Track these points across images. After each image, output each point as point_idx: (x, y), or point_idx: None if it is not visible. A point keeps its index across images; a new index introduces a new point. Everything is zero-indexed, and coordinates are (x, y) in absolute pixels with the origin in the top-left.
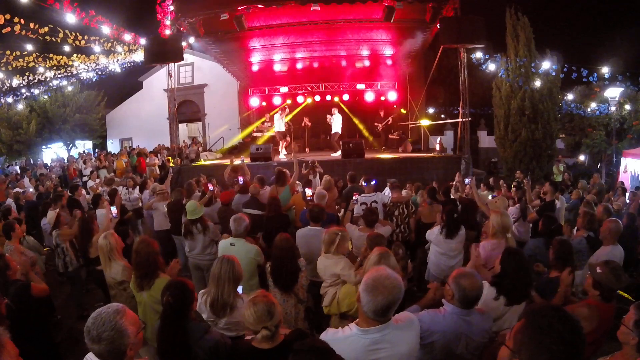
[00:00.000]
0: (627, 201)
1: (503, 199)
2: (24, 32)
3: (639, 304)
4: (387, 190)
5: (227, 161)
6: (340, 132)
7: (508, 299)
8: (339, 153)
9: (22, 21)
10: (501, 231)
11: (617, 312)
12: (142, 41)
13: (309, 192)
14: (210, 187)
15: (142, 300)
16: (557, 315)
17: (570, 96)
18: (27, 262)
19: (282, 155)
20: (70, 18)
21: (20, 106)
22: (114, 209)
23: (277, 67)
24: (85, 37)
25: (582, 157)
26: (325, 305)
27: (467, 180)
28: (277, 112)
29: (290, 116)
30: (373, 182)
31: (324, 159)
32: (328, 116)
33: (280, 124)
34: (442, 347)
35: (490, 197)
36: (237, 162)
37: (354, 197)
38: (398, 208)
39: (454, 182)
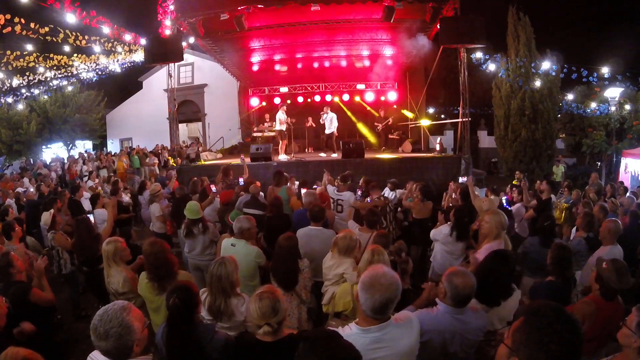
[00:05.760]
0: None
1: (491, 200)
2: (24, 32)
3: None
4: (387, 191)
5: (227, 161)
6: (336, 131)
7: (484, 300)
8: (335, 154)
9: (23, 21)
10: (498, 232)
11: (623, 314)
12: (142, 41)
13: (305, 192)
14: (213, 188)
15: (161, 304)
16: (556, 315)
17: (570, 96)
18: (42, 267)
19: (283, 156)
20: (71, 18)
21: (20, 106)
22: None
23: (277, 67)
24: (86, 37)
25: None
26: (324, 304)
27: (462, 179)
28: (279, 110)
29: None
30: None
31: (324, 160)
32: (322, 115)
33: (281, 122)
34: (436, 346)
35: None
36: (234, 162)
37: (357, 193)
38: (387, 206)
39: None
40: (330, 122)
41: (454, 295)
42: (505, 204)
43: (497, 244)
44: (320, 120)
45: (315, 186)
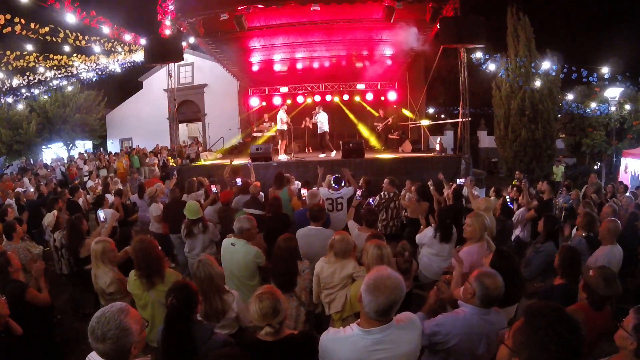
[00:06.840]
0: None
1: (488, 200)
2: (24, 32)
3: (638, 308)
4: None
5: (227, 161)
6: (328, 130)
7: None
8: (334, 153)
9: (23, 21)
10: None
11: (615, 314)
12: (142, 41)
13: (304, 192)
14: (214, 189)
15: (148, 301)
16: (557, 315)
17: (570, 96)
18: (40, 268)
19: (283, 156)
20: (71, 18)
21: (20, 106)
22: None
23: (277, 67)
24: (86, 37)
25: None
26: (338, 311)
27: (460, 181)
28: (278, 110)
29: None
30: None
31: (324, 160)
32: (313, 115)
33: (282, 122)
34: (463, 349)
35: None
36: (236, 162)
37: (357, 193)
38: (394, 202)
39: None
40: (322, 122)
41: (484, 296)
42: (509, 203)
43: (479, 246)
44: (313, 120)
45: (315, 187)
